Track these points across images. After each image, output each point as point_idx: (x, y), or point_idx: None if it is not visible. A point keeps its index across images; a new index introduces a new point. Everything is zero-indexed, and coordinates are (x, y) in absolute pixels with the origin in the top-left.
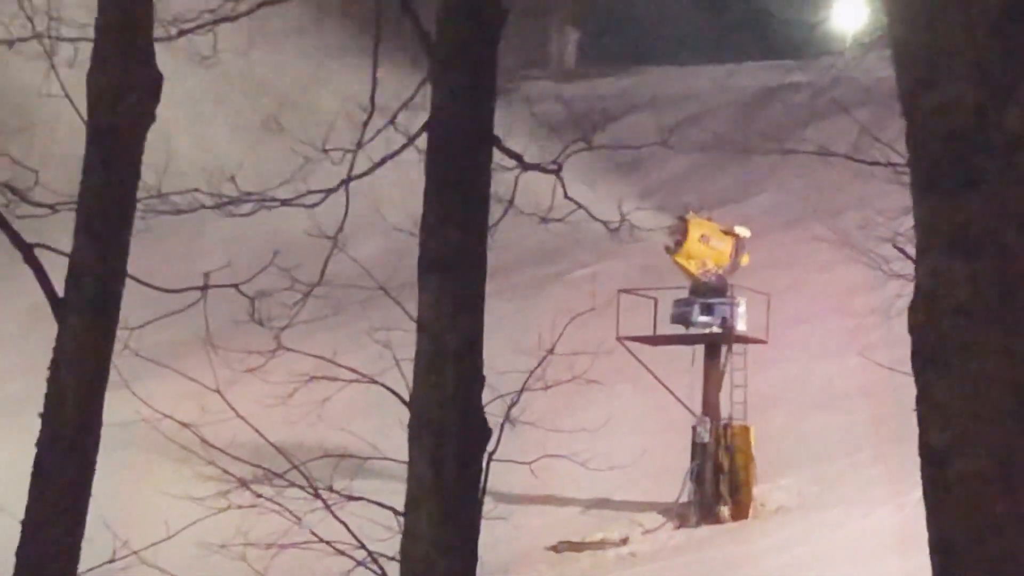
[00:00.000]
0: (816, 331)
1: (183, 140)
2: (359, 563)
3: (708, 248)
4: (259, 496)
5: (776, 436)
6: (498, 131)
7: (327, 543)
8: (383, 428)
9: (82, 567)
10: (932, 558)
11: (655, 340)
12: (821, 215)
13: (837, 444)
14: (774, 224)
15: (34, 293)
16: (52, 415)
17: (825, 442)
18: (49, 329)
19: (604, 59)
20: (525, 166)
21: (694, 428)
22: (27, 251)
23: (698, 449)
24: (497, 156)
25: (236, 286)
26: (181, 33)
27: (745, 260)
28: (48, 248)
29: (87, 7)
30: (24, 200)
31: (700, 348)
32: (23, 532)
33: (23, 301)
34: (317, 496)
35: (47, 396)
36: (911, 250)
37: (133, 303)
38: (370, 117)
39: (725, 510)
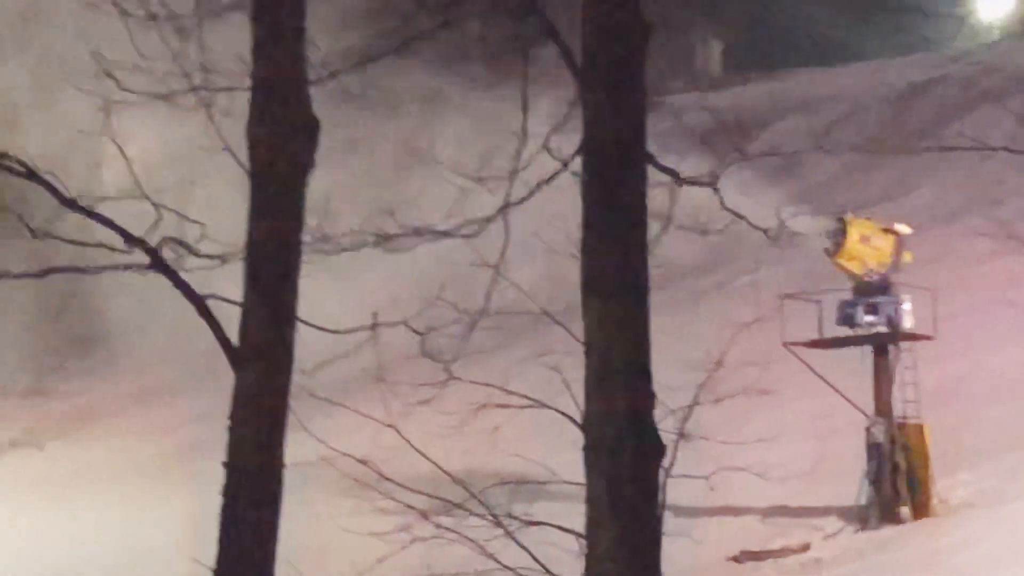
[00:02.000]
0: (983, 323)
1: (340, 179)
2: None
3: (869, 248)
4: (440, 527)
5: (951, 432)
6: (650, 146)
7: (511, 570)
8: (557, 451)
9: None
10: None
11: (822, 344)
12: (981, 207)
13: (1013, 436)
14: (934, 219)
15: (207, 341)
16: (235, 462)
17: (1001, 434)
18: (224, 376)
19: (749, 66)
20: (681, 181)
21: (868, 429)
22: (200, 303)
23: (873, 450)
24: (652, 172)
25: (405, 323)
26: (332, 75)
27: (908, 257)
28: (219, 299)
29: (240, 57)
30: (193, 253)
31: (868, 349)
32: None
33: (196, 349)
34: (498, 523)
35: (229, 444)
36: None
37: (305, 344)
38: (523, 144)
39: (905, 510)
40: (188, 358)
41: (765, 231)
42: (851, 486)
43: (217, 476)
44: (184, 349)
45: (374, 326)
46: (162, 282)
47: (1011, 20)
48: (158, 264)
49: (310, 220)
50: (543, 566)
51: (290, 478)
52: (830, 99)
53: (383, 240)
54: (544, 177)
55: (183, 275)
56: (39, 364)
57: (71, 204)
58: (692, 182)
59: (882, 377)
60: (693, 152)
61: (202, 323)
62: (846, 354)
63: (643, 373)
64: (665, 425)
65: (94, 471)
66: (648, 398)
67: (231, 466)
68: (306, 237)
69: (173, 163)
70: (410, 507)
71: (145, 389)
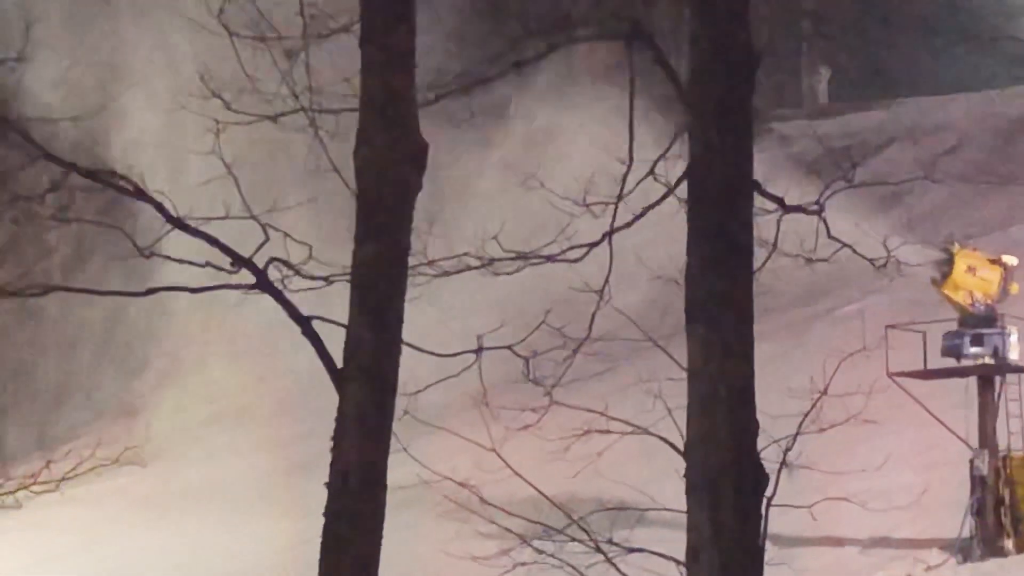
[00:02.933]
0: None
1: (445, 203)
2: None
3: (976, 278)
4: (541, 552)
5: None
6: (756, 173)
7: None
8: (659, 478)
9: None
10: None
11: (927, 374)
12: None
13: None
14: None
15: (311, 360)
16: (338, 484)
17: None
18: (327, 396)
19: (857, 94)
20: (787, 209)
21: (972, 462)
22: (305, 324)
23: (977, 482)
24: (758, 199)
25: (510, 347)
26: (439, 98)
27: (1015, 289)
28: (325, 320)
29: (348, 79)
30: (299, 274)
31: (973, 380)
32: None
33: (300, 368)
34: (598, 549)
35: (332, 465)
36: None
37: (409, 367)
38: (629, 169)
39: (1009, 543)
40: (285, 379)
41: (871, 260)
42: (954, 518)
43: (320, 498)
44: (279, 370)
45: (478, 350)
46: (264, 302)
47: None
48: (264, 284)
49: (416, 243)
50: None
51: (392, 500)
52: (938, 129)
53: (488, 264)
54: (649, 203)
55: (288, 296)
56: (137, 383)
57: (178, 223)
58: (798, 210)
59: (987, 409)
60: (799, 180)
61: (302, 343)
62: (951, 385)
63: (747, 401)
64: (768, 454)
65: (196, 490)
66: (752, 426)
67: (333, 487)
68: (412, 260)
69: (280, 185)
70: (510, 532)
71: (243, 408)
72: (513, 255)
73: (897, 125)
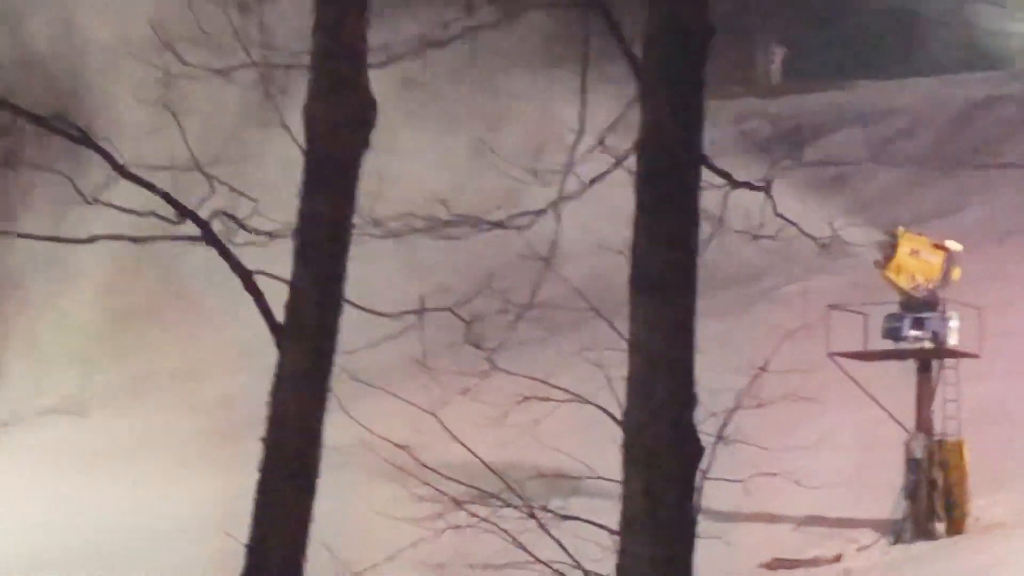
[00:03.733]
0: None
1: (394, 164)
2: None
3: (919, 262)
4: (475, 516)
5: (990, 451)
6: (706, 149)
7: (543, 563)
8: (596, 448)
9: None
10: None
11: (866, 356)
12: None
13: None
14: (986, 238)
15: (252, 319)
16: (274, 440)
17: None
18: (268, 354)
19: (810, 75)
20: (734, 184)
21: (907, 444)
22: (248, 278)
23: (912, 465)
24: (706, 175)
25: (451, 309)
26: (392, 59)
27: (957, 274)
28: (267, 275)
29: (301, 35)
30: (243, 227)
31: (912, 363)
32: (248, 556)
33: (241, 327)
34: (532, 515)
35: (269, 420)
36: None
37: (350, 327)
38: (579, 138)
39: (940, 526)
40: (232, 335)
41: (816, 240)
42: (888, 499)
43: (257, 455)
44: (225, 326)
45: (420, 311)
46: (210, 257)
47: None
48: (208, 236)
49: (362, 202)
50: (575, 561)
51: (328, 460)
52: (889, 112)
53: (434, 227)
54: (598, 173)
55: (232, 249)
56: (88, 333)
57: (124, 171)
58: (746, 185)
59: (924, 392)
60: (749, 157)
61: (247, 301)
62: (890, 368)
63: (686, 374)
64: (705, 428)
65: (137, 443)
66: (690, 399)
67: (269, 443)
68: (357, 219)
69: (228, 138)
70: (446, 495)
71: (188, 364)
72: (460, 220)
73: (849, 108)
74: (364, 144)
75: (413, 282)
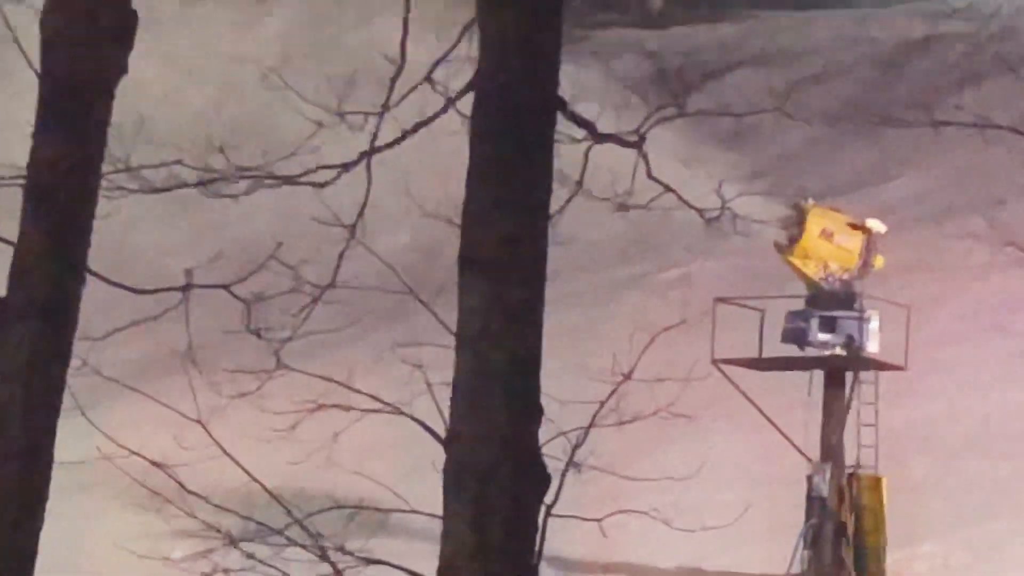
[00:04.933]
0: (969, 355)
1: (159, 100)
2: None
3: (831, 246)
4: (252, 558)
5: (917, 489)
6: (564, 92)
7: None
8: (411, 472)
9: None
10: None
11: (761, 364)
12: (978, 205)
13: (996, 501)
14: (918, 216)
15: None
16: None
17: (980, 498)
18: None
19: (700, 2)
20: (598, 137)
21: (810, 478)
22: None
23: (815, 505)
24: (563, 124)
25: (227, 287)
26: None
27: (879, 262)
28: None
29: None
30: None
31: (819, 375)
32: None
33: None
34: (325, 558)
35: None
36: None
37: (94, 306)
38: (399, 72)
39: None
40: None
41: (701, 212)
42: (783, 549)
43: None
44: None
45: (185, 287)
46: None
47: None
48: None
49: (115, 147)
50: None
51: (60, 477)
52: (799, 53)
53: (208, 182)
54: (423, 118)
55: None
56: None
57: None
58: (613, 139)
59: (834, 413)
60: (618, 103)
61: None
62: (791, 380)
63: (530, 379)
64: (553, 449)
65: None
66: (534, 412)
67: None
68: (107, 167)
69: None
70: (214, 529)
71: None
72: (241, 172)
73: (747, 45)
74: (118, 68)
75: (179, 251)
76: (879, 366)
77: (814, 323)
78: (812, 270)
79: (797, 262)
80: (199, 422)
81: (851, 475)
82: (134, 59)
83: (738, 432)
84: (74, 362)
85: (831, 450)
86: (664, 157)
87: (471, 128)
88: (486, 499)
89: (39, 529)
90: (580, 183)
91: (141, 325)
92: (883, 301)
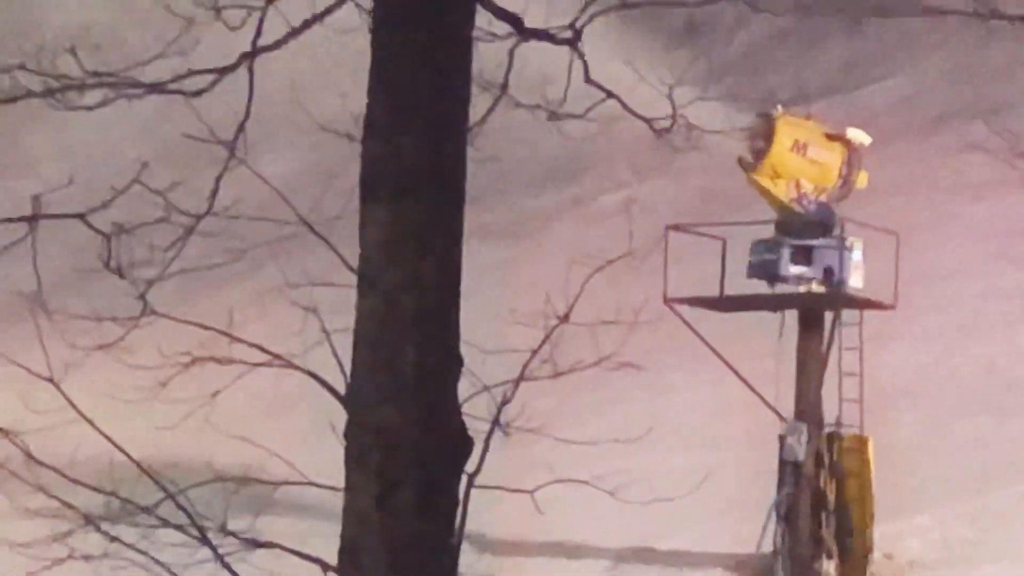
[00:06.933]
0: (970, 290)
1: None
2: None
3: (805, 161)
4: (116, 540)
5: (908, 452)
6: None
7: None
8: (305, 437)
9: None
10: None
11: (723, 304)
12: (978, 111)
13: (1001, 464)
14: (908, 124)
15: None
16: None
17: (981, 462)
18: None
19: None
20: (525, 33)
21: (782, 439)
22: None
23: (789, 471)
24: (483, 18)
25: (82, 216)
26: None
27: (862, 180)
28: None
29: None
30: None
31: (792, 316)
32: None
33: None
34: (203, 541)
35: None
36: None
37: None
38: None
39: (830, 566)
40: None
41: (649, 122)
42: (750, 524)
43: None
44: None
45: (33, 218)
46: None
47: None
48: None
49: None
50: None
51: None
52: None
53: (58, 90)
54: (316, 13)
55: None
56: None
57: None
58: (542, 36)
59: (809, 361)
60: None
61: None
62: (759, 322)
63: (446, 324)
64: (474, 408)
65: None
66: (452, 364)
67: None
68: None
69: None
70: (70, 507)
71: None
72: (98, 78)
73: None
74: None
75: (23, 175)
76: (863, 304)
77: (785, 254)
78: (782, 191)
79: (764, 181)
80: (50, 380)
81: (831, 435)
82: None
83: (696, 385)
84: None
85: (808, 405)
86: (604, 57)
87: (373, 24)
88: (394, 468)
89: None
90: (504, 88)
91: None
92: (867, 227)
